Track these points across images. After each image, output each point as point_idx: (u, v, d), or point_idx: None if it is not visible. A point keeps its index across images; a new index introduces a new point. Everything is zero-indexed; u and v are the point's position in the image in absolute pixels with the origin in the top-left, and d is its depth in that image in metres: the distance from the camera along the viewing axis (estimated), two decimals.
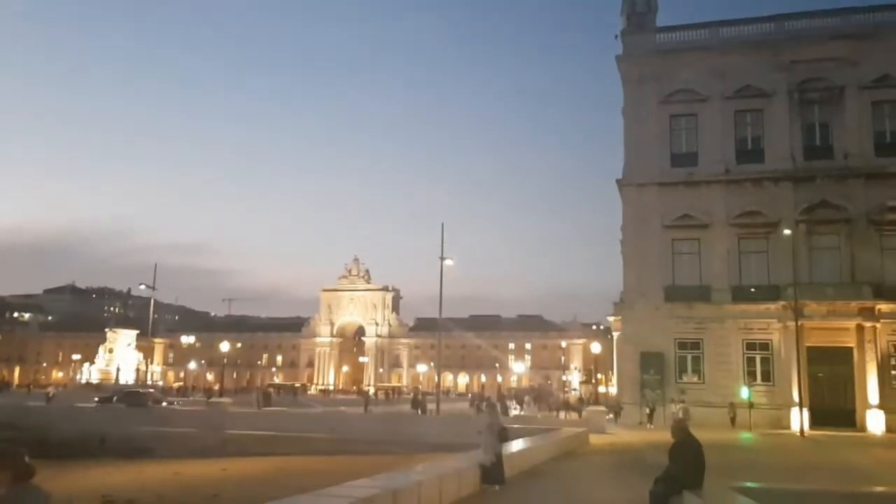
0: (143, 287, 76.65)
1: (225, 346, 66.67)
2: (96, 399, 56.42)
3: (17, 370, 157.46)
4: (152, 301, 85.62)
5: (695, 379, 45.55)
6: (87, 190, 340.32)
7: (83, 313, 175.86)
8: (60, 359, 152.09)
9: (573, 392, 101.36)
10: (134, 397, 53.95)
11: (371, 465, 28.14)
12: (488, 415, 17.83)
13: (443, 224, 51.37)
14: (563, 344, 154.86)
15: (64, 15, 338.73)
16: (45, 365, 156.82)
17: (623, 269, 48.56)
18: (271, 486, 26.72)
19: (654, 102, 48.62)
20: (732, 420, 41.60)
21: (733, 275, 45.87)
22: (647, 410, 43.05)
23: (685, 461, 11.19)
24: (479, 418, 24.59)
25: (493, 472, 15.62)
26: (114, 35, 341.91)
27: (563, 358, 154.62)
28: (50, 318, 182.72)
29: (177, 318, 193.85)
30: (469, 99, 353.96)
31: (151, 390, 70.02)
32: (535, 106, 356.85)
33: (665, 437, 13.61)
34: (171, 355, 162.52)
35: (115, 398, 54.08)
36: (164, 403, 54.24)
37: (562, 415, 54.46)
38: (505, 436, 16.59)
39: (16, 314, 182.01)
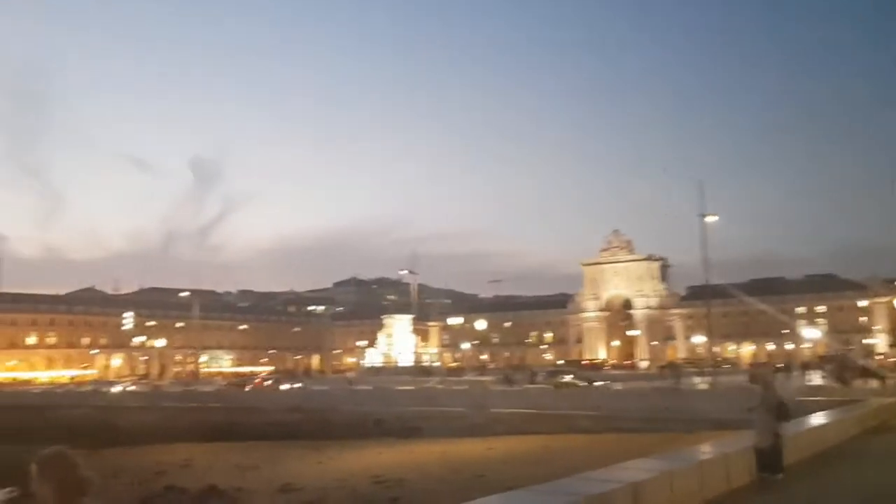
0: (404, 273, 80.00)
1: (481, 325, 67.51)
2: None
3: (315, 357, 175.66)
4: (415, 286, 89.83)
5: None
6: (366, 190, 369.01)
7: (366, 303, 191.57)
8: (350, 345, 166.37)
9: (875, 357, 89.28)
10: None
11: (637, 444, 26.05)
12: (762, 388, 14.81)
13: (701, 181, 47.14)
14: (863, 304, 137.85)
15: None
16: (337, 352, 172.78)
17: None
18: (535, 466, 25.78)
19: None
20: None
21: None
22: None
23: None
24: (750, 393, 21.12)
25: (770, 458, 12.83)
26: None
27: (863, 320, 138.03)
28: (339, 308, 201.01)
29: (448, 301, 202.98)
30: (722, 47, 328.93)
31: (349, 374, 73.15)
32: (814, 49, 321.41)
33: None
34: (445, 337, 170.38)
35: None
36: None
37: (858, 383, 47.39)
38: (785, 413, 13.62)
39: (311, 307, 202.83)
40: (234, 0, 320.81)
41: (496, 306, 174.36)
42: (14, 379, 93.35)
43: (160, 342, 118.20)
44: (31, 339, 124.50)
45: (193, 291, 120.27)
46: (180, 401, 47.26)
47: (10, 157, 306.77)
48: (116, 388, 67.49)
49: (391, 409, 40.28)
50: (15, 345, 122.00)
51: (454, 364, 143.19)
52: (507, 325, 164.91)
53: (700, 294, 78.66)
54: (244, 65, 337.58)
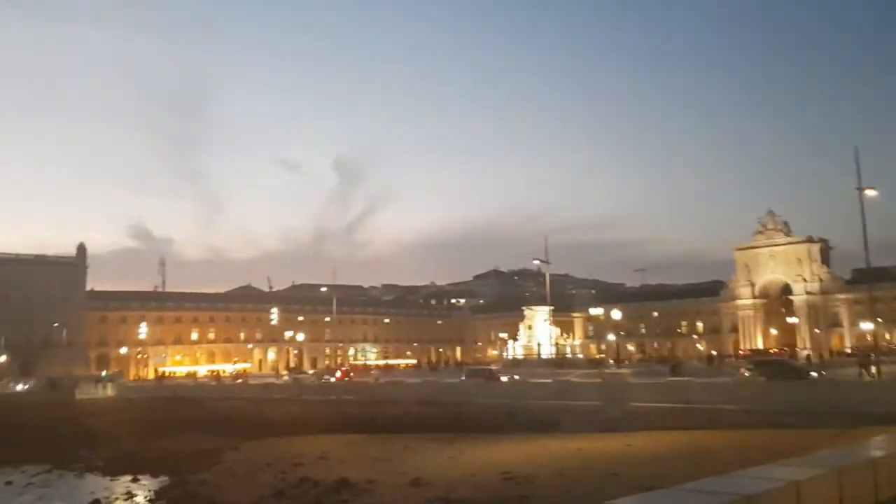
0: (536, 262, 78.17)
1: (616, 315, 64.83)
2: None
3: (457, 350, 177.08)
4: (548, 275, 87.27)
5: None
6: (507, 182, 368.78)
7: (506, 294, 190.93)
8: (491, 338, 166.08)
9: None
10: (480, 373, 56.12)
11: (797, 441, 23.40)
12: None
13: (856, 148, 42.31)
14: None
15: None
16: (479, 344, 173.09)
17: None
18: (679, 464, 23.66)
19: None
20: None
21: None
22: None
23: None
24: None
25: None
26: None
27: None
28: (480, 301, 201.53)
29: (592, 291, 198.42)
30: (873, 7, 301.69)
31: (493, 367, 72.56)
32: None
33: None
34: (590, 328, 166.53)
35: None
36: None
37: None
38: None
39: (452, 300, 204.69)
40: (378, 2, 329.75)
41: (643, 296, 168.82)
42: (175, 373, 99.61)
43: (300, 336, 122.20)
44: (194, 335, 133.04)
45: (339, 287, 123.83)
46: (320, 394, 48.14)
47: (172, 166, 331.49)
48: (259, 381, 70.14)
49: (525, 403, 38.91)
50: (180, 340, 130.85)
51: (599, 356, 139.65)
52: (655, 314, 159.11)
53: (867, 277, 71.69)
54: (386, 65, 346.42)
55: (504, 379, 52.60)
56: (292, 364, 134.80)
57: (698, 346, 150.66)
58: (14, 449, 44.11)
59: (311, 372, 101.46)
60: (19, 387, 76.71)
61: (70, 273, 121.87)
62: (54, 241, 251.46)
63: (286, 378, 74.81)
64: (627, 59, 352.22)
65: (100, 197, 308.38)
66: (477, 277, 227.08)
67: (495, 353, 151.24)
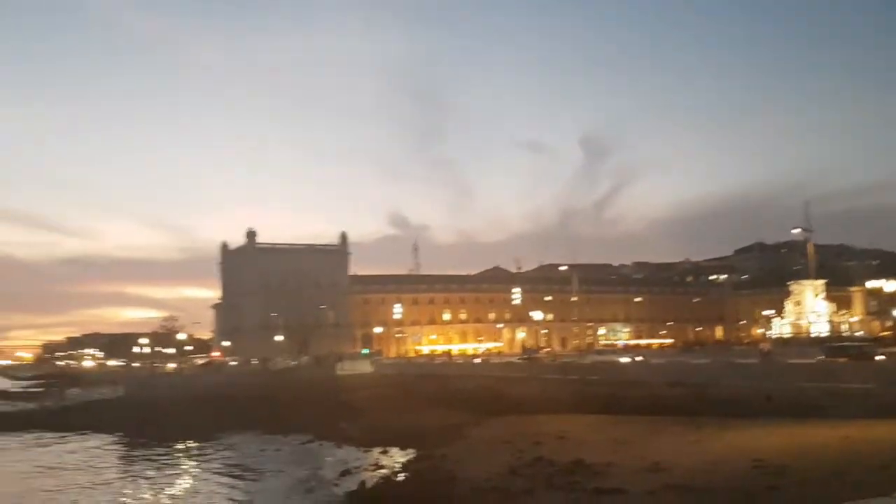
0: (796, 231, 70.38)
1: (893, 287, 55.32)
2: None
3: (717, 329, 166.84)
4: (811, 246, 78.36)
5: None
6: (769, 148, 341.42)
7: (772, 269, 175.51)
8: (755, 315, 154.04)
9: None
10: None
11: None
12: None
13: None
14: None
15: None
16: (742, 322, 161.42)
17: None
18: None
19: None
20: None
21: None
22: None
23: None
24: None
25: None
26: None
27: None
28: (742, 277, 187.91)
29: (875, 262, 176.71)
30: None
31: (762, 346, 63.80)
32: None
33: None
34: (872, 303, 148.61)
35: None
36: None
37: None
38: None
39: (710, 276, 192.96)
40: None
41: None
42: (432, 352, 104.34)
43: (538, 316, 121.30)
44: (446, 316, 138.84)
45: (586, 266, 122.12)
46: (560, 373, 47.37)
47: (423, 155, 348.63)
48: (501, 361, 70.34)
49: (782, 385, 35.00)
50: (434, 320, 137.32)
51: (885, 333, 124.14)
52: None
53: None
54: (629, 38, 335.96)
55: (754, 360, 47.45)
56: (541, 344, 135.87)
57: None
58: (283, 421, 48.93)
59: (544, 351, 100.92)
60: (290, 363, 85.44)
61: (335, 260, 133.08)
62: (325, 231, 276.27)
63: (520, 359, 75.21)
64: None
65: (362, 189, 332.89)
66: (738, 252, 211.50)
67: (760, 331, 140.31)
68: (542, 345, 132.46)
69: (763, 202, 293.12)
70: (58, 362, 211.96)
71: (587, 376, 44.98)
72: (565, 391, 42.98)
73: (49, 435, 50.85)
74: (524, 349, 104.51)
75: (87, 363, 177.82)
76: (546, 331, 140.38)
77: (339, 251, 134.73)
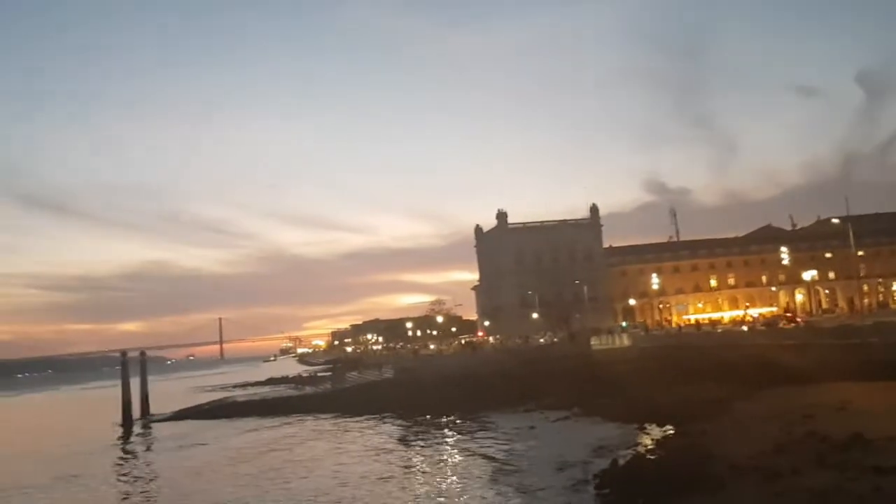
0: None
1: None
2: None
3: None
4: None
5: None
6: None
7: None
8: None
9: None
10: None
11: None
12: None
13: None
14: None
15: None
16: None
17: None
18: None
19: None
20: None
21: None
22: None
23: None
24: None
25: None
26: None
27: None
28: None
29: None
30: None
31: None
32: None
33: None
34: None
35: None
36: None
37: None
38: None
39: None
40: None
41: None
42: (698, 321, 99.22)
43: (808, 275, 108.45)
44: (713, 282, 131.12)
45: (868, 217, 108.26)
46: (838, 337, 42.41)
47: (680, 113, 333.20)
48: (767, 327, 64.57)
49: None
50: (699, 288, 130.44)
51: None
52: None
53: None
54: None
55: None
56: (825, 305, 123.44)
57: None
58: (536, 398, 49.35)
59: (801, 315, 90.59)
60: (549, 340, 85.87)
61: (588, 233, 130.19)
62: (582, 205, 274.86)
63: (762, 325, 68.25)
64: None
65: (615, 158, 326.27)
66: None
67: None
68: (825, 307, 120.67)
69: None
70: (346, 349, 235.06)
71: (868, 339, 39.92)
72: (843, 357, 38.58)
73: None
74: (781, 314, 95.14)
75: (375, 347, 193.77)
76: (827, 291, 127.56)
77: (592, 224, 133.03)
